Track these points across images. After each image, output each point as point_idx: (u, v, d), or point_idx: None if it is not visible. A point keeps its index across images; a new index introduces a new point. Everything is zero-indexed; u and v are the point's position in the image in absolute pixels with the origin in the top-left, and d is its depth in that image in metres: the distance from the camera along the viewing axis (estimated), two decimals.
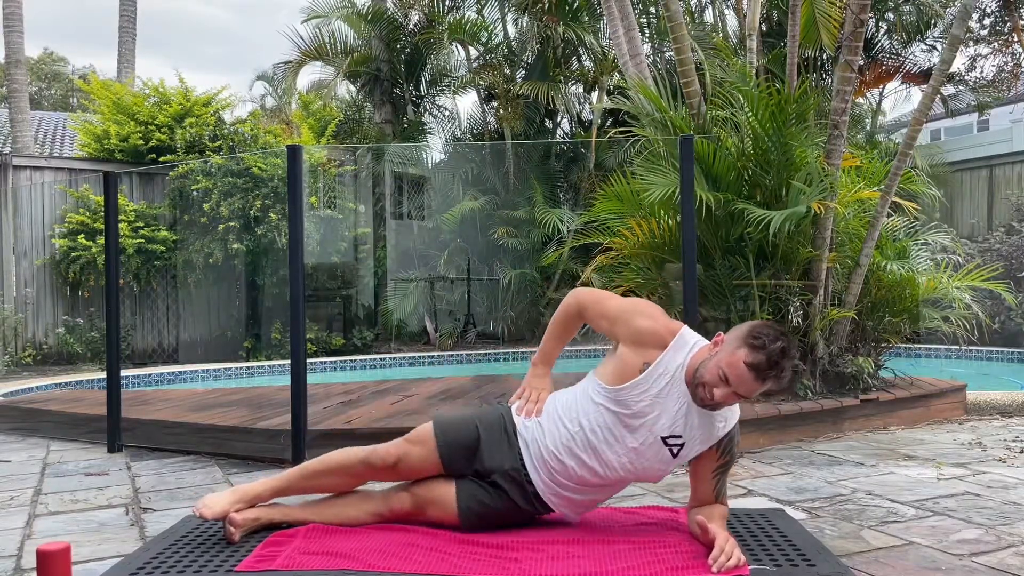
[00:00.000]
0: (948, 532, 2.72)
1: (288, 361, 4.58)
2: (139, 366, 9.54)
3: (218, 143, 10.55)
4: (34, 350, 9.53)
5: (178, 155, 10.29)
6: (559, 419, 2.35)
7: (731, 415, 2.30)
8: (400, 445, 2.36)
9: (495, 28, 13.31)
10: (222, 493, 2.41)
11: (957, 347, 8.28)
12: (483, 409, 2.50)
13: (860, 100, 12.58)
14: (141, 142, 10.43)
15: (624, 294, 5.24)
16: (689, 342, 2.27)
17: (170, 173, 10.22)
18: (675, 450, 2.28)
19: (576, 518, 2.46)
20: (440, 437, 2.36)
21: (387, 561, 2.13)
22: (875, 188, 5.22)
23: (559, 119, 13.54)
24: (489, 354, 10.40)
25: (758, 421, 4.29)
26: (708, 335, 2.35)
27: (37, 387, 7.16)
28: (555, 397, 2.44)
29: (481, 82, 12.94)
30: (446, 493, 2.36)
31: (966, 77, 12.69)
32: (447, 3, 13.13)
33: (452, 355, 10.30)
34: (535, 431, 2.37)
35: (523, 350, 10.20)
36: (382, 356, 10.20)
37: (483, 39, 13.14)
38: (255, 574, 2.09)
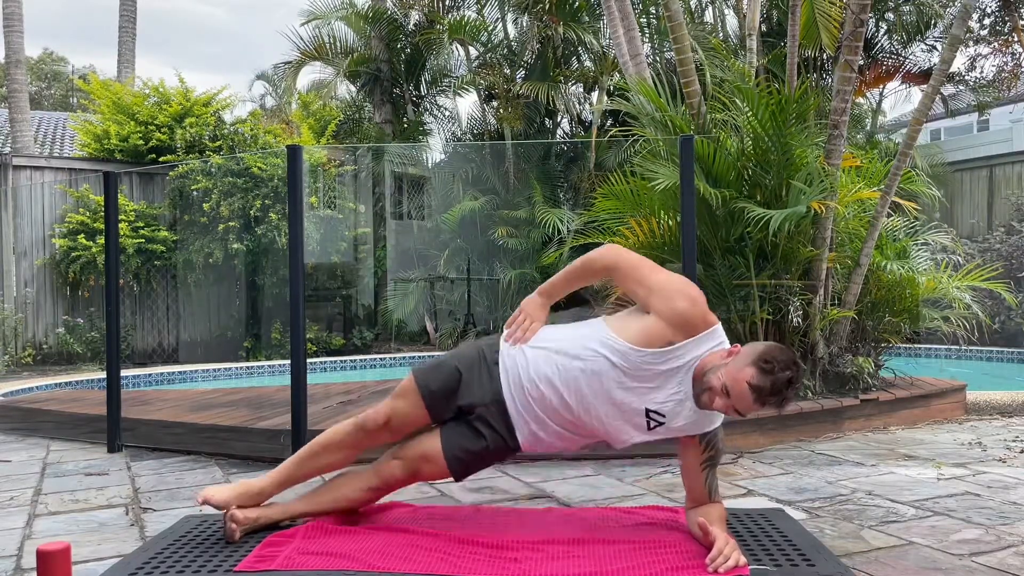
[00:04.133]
0: (948, 532, 2.72)
1: (288, 361, 4.58)
2: (139, 366, 9.54)
3: (218, 143, 10.55)
4: (34, 350, 9.53)
5: (178, 155, 10.29)
6: (548, 350, 2.32)
7: (716, 417, 2.31)
8: (387, 403, 2.38)
9: (495, 28, 13.30)
10: (225, 486, 2.42)
11: (957, 347, 8.27)
12: (460, 348, 2.49)
13: (860, 100, 12.57)
14: (141, 142, 10.43)
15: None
16: (716, 339, 2.26)
17: (170, 173, 10.22)
18: (651, 424, 2.27)
19: (540, 450, 2.43)
20: (423, 386, 2.36)
21: (387, 561, 2.13)
22: (875, 188, 5.22)
23: (559, 119, 13.54)
24: None
25: (758, 421, 4.28)
26: None
27: (37, 387, 7.15)
28: (547, 330, 2.41)
29: (481, 82, 12.94)
30: (433, 447, 2.35)
31: (966, 77, 12.68)
32: (447, 3, 13.12)
33: None
34: (518, 358, 2.34)
35: None
36: (382, 356, 10.20)
37: (483, 39, 13.14)
38: (254, 574, 2.08)
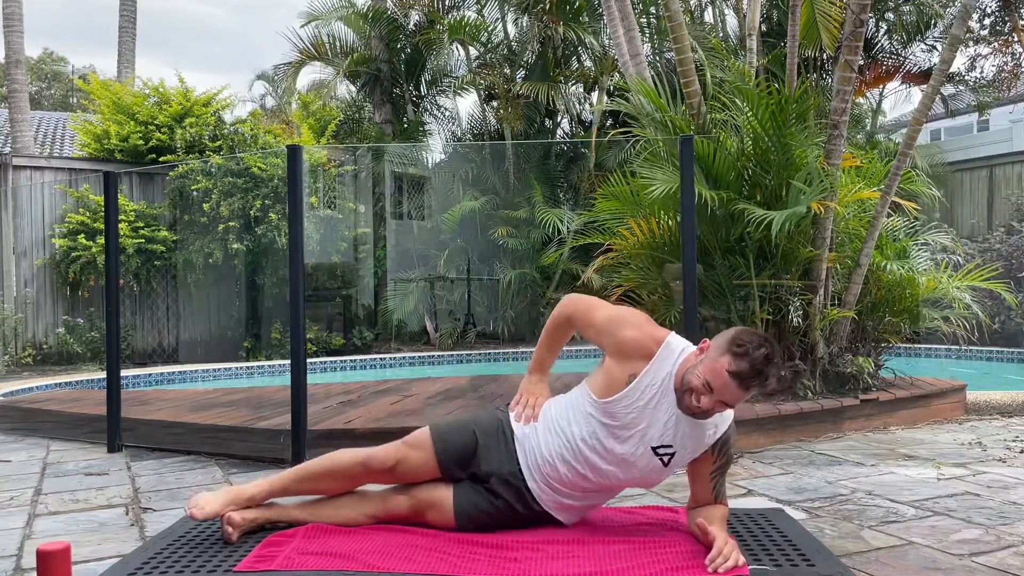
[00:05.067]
0: (948, 532, 2.72)
1: (288, 361, 4.58)
2: (139, 366, 9.54)
3: (218, 143, 10.54)
4: (34, 350, 9.52)
5: (178, 155, 10.29)
6: (553, 427, 2.36)
7: (722, 421, 2.30)
8: (399, 448, 2.36)
9: (495, 28, 13.31)
10: (215, 493, 2.40)
11: (957, 347, 8.28)
12: (480, 414, 2.50)
13: (860, 100, 12.58)
14: (141, 142, 10.43)
15: (624, 294, 5.24)
16: (676, 351, 2.26)
17: (170, 173, 10.22)
18: (666, 459, 2.28)
19: (574, 520, 2.46)
20: (438, 443, 2.36)
21: (387, 561, 2.13)
22: (875, 188, 5.22)
23: (559, 119, 13.54)
24: (489, 354, 10.39)
25: (758, 421, 4.29)
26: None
27: (37, 387, 7.15)
28: (551, 404, 2.44)
29: (481, 82, 12.94)
30: (443, 497, 2.36)
31: (966, 77, 12.69)
32: (447, 3, 13.12)
33: (452, 355, 10.30)
34: (531, 437, 2.37)
35: (523, 350, 10.20)
36: (382, 356, 10.20)
37: (483, 39, 13.14)
38: (254, 574, 2.08)
